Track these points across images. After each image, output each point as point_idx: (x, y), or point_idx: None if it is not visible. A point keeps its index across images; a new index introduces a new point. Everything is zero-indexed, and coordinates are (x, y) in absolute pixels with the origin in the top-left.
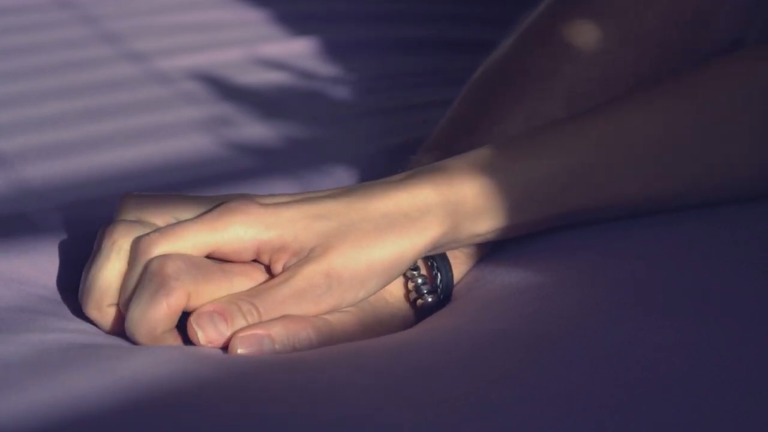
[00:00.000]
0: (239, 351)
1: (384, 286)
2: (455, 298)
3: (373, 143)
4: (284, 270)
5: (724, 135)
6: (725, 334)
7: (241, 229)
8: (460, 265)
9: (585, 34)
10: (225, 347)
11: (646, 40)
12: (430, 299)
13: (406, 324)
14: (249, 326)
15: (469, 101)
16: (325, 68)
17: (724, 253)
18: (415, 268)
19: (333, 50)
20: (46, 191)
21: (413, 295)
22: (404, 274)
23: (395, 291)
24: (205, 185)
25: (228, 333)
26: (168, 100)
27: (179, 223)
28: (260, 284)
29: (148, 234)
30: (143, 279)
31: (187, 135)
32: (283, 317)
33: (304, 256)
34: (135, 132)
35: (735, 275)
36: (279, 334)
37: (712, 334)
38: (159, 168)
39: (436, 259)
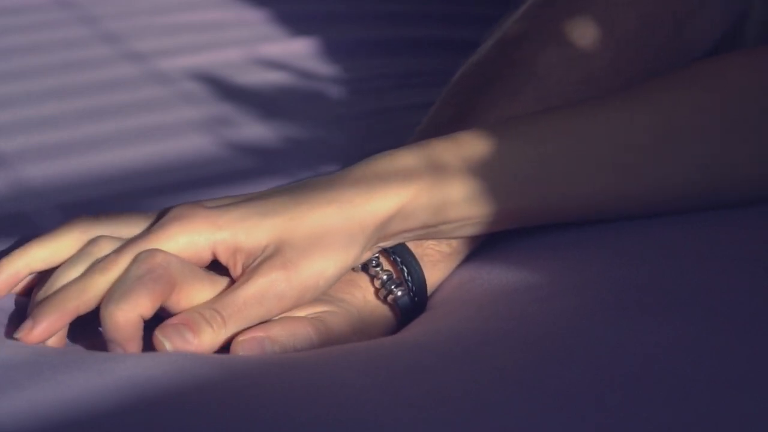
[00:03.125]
0: (241, 354)
1: (342, 272)
2: (451, 298)
3: (373, 144)
4: (243, 272)
5: (721, 134)
6: (724, 334)
7: (194, 234)
8: (437, 263)
9: (563, 37)
10: (223, 349)
11: (626, 42)
12: (399, 293)
13: (389, 325)
14: (249, 329)
15: (447, 104)
16: (325, 68)
17: (722, 253)
18: (378, 265)
19: (333, 50)
20: (46, 191)
21: (383, 292)
22: (369, 273)
23: (370, 296)
24: (205, 185)
25: (195, 341)
26: (168, 100)
27: (131, 239)
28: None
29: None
30: (130, 267)
31: (187, 135)
32: (281, 318)
33: (259, 256)
34: (135, 132)
35: (734, 276)
36: (279, 335)
37: (712, 335)
38: (159, 168)
39: (398, 254)
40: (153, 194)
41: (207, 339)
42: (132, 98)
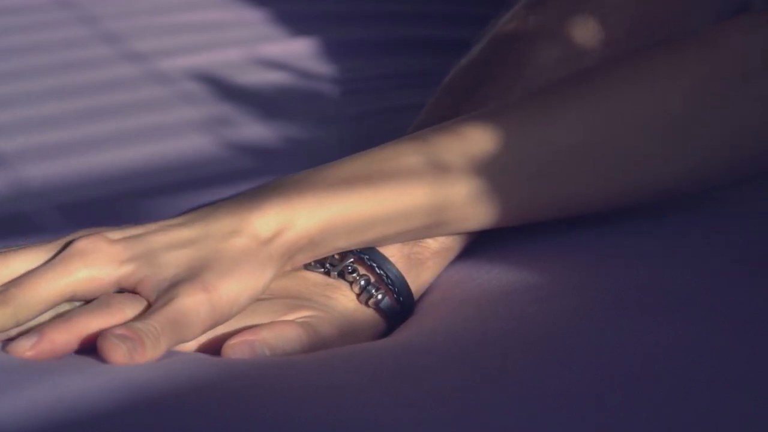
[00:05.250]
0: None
1: (254, 298)
2: (449, 298)
3: (374, 144)
4: (159, 296)
5: (721, 119)
6: (723, 334)
7: (94, 269)
8: (425, 261)
9: (555, 37)
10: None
11: (617, 43)
12: (380, 296)
13: (379, 328)
14: (239, 333)
15: (439, 106)
16: (325, 68)
17: (722, 253)
18: (353, 271)
19: (333, 50)
20: (46, 191)
21: (364, 297)
22: (346, 280)
23: (354, 300)
24: (205, 185)
25: (140, 349)
26: (168, 100)
27: (29, 273)
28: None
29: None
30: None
31: (187, 135)
32: (271, 322)
33: (166, 281)
34: (135, 132)
35: (732, 276)
36: (269, 337)
37: (711, 335)
38: (159, 168)
39: (372, 259)
40: (153, 194)
41: (149, 350)
42: (132, 98)
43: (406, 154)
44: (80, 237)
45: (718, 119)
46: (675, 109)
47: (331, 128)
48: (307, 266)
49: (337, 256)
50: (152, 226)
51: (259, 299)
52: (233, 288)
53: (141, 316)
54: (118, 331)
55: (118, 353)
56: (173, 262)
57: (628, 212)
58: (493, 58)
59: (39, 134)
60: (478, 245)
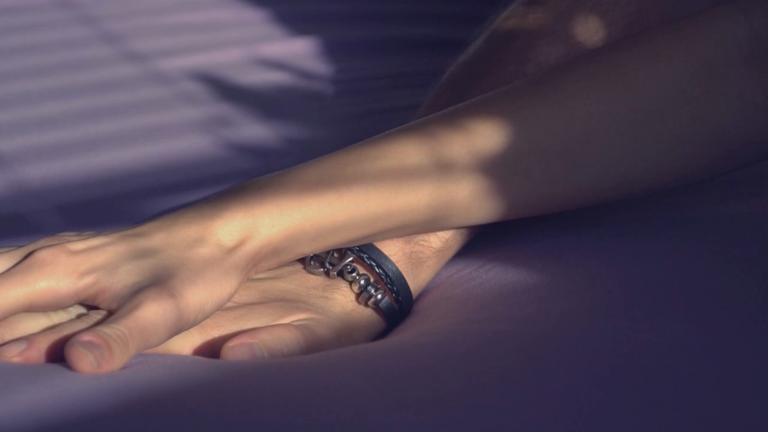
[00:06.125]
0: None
1: (219, 306)
2: (449, 298)
3: None
4: (122, 303)
5: (723, 94)
6: (720, 334)
7: (53, 280)
8: (427, 259)
9: (553, 35)
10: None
11: (616, 40)
12: (379, 296)
13: (377, 328)
14: (237, 336)
15: (435, 104)
16: (325, 68)
17: (720, 254)
18: (353, 270)
19: (333, 50)
20: (45, 192)
21: (364, 297)
22: (346, 279)
23: (353, 301)
24: (205, 186)
25: (108, 356)
26: (168, 100)
27: None
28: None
29: None
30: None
31: (187, 135)
32: (268, 325)
33: (131, 289)
34: (135, 132)
35: (727, 277)
36: (267, 339)
37: (711, 335)
38: (158, 168)
39: (372, 258)
40: (153, 194)
41: (117, 357)
42: (132, 98)
43: (398, 152)
44: (41, 247)
45: (723, 101)
46: (676, 91)
47: (331, 128)
48: (307, 266)
49: (336, 255)
50: (114, 236)
51: (256, 302)
52: (200, 295)
53: (107, 320)
54: (86, 338)
55: (84, 362)
56: (135, 271)
57: (628, 212)
58: (492, 55)
59: (39, 134)
60: (478, 244)
